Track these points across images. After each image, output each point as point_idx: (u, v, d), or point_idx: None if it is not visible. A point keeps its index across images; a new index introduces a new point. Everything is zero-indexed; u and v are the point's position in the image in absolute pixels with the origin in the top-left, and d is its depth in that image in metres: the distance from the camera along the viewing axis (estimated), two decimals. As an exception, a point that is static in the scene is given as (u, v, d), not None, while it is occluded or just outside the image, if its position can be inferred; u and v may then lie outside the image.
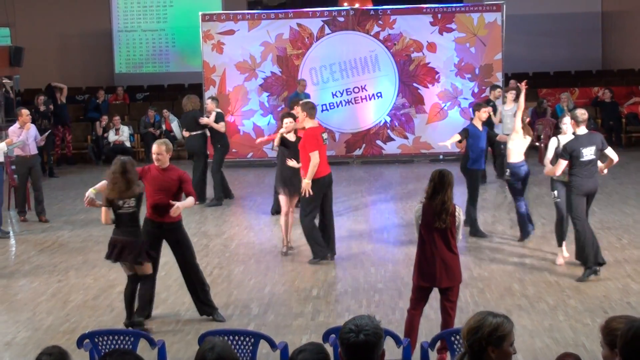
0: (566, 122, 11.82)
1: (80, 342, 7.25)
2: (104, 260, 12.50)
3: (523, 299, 10.46)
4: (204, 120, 16.82)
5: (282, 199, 12.63)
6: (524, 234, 13.35)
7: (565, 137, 11.65)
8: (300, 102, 12.88)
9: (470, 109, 17.48)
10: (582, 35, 26.59)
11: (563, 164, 11.08)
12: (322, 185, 12.15)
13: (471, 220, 13.65)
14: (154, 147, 9.89)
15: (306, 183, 11.99)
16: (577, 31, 26.51)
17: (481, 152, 13.58)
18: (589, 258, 11.07)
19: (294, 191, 12.47)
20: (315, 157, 11.92)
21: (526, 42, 25.86)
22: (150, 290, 9.86)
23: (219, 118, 16.93)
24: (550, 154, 11.78)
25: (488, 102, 17.60)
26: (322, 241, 12.39)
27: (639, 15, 26.36)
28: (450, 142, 13.66)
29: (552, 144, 11.84)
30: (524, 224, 13.34)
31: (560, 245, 11.92)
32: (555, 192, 11.73)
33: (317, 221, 12.44)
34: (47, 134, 16.53)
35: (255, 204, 16.97)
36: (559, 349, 8.38)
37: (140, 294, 9.71)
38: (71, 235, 14.74)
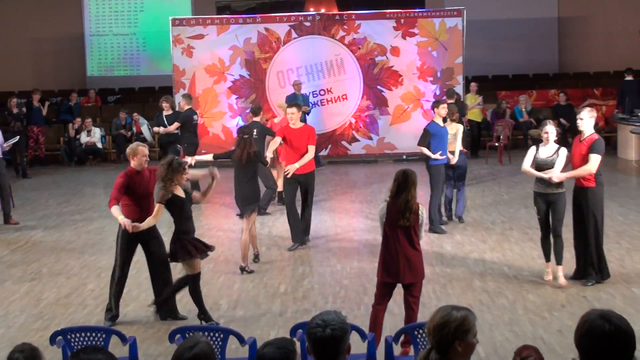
0: (548, 131, 10.79)
1: (53, 339, 7.31)
2: (77, 258, 12.97)
3: (484, 294, 10.65)
4: (160, 129, 17.43)
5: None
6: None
7: (547, 147, 10.83)
8: (293, 103, 13.67)
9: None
10: (540, 40, 26.79)
11: (598, 159, 10.66)
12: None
13: (430, 218, 13.98)
14: (143, 149, 10.12)
15: (294, 167, 12.84)
16: (534, 36, 26.71)
17: (443, 148, 13.95)
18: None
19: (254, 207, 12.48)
20: (313, 150, 12.96)
21: (486, 46, 26.07)
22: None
23: (188, 115, 17.25)
24: (528, 161, 10.90)
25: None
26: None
27: (593, 21, 26.58)
28: (435, 155, 13.90)
29: (531, 152, 10.94)
30: (446, 206, 14.71)
31: (548, 261, 11.18)
32: (536, 209, 11.00)
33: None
34: (13, 141, 16.63)
35: (224, 203, 17.05)
36: (518, 342, 8.46)
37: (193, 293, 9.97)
38: (44, 234, 14.81)
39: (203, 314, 9.89)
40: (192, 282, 9.93)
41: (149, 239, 10.13)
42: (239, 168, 12.22)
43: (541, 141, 11.03)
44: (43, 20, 26.81)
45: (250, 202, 12.16)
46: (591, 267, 10.92)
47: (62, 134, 24.02)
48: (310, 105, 21.48)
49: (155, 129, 17.41)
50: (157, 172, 9.77)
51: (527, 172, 10.94)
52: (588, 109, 10.95)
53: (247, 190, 12.16)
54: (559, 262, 10.97)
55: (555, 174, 10.64)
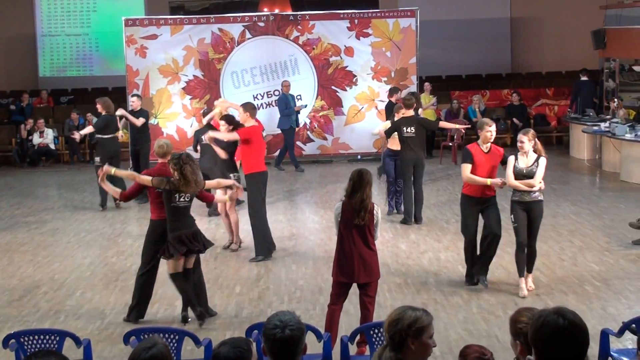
0: (524, 141, 10.41)
1: (5, 342, 7.29)
2: (29, 260, 12.87)
3: (438, 293, 10.78)
4: (121, 111, 17.07)
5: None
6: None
7: (523, 158, 10.50)
8: (243, 103, 13.22)
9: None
10: (493, 40, 27.04)
11: None
12: (263, 179, 12.62)
13: (406, 207, 14.76)
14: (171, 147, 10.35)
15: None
16: (487, 36, 26.94)
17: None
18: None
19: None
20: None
21: (439, 47, 26.13)
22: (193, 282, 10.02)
23: (143, 115, 17.26)
24: (511, 173, 10.52)
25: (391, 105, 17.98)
26: (270, 239, 12.87)
27: (545, 21, 26.85)
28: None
29: (510, 163, 10.55)
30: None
31: (522, 275, 10.74)
32: (513, 217, 10.62)
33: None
34: None
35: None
36: (472, 340, 8.62)
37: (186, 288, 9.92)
38: (-4, 237, 14.69)
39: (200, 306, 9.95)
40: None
41: None
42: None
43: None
44: (-6, 20, 26.56)
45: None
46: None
47: (14, 135, 23.75)
48: (298, 104, 21.34)
49: (121, 111, 17.07)
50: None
51: (514, 186, 10.50)
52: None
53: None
54: (530, 270, 10.85)
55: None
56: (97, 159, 16.45)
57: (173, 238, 9.70)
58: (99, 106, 16.87)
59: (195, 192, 9.77)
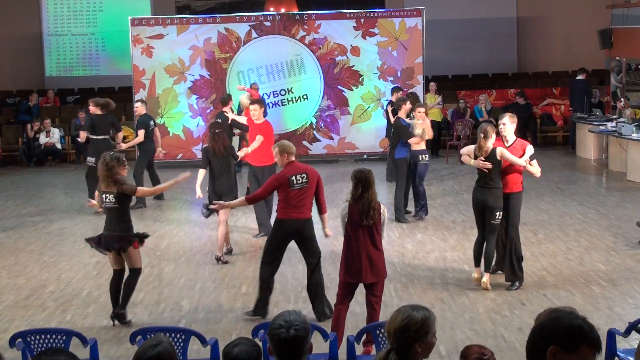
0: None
1: (12, 342, 7.32)
2: (36, 260, 12.90)
3: (445, 292, 10.78)
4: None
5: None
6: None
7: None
8: (255, 100, 13.71)
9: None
10: (499, 40, 27.03)
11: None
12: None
13: (396, 207, 14.66)
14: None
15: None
16: (493, 35, 26.94)
17: (406, 142, 14.58)
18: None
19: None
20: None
21: (446, 46, 26.17)
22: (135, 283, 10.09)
23: (143, 121, 17.13)
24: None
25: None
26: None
27: (552, 21, 26.86)
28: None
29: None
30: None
31: (478, 265, 11.07)
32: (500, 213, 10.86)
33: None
34: None
35: (185, 203, 17.05)
36: (479, 340, 8.63)
37: (125, 283, 10.02)
38: (2, 236, 14.68)
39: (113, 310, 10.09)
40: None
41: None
42: (214, 162, 12.54)
43: None
44: (0, 20, 26.53)
45: (227, 194, 12.38)
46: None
47: (21, 134, 23.77)
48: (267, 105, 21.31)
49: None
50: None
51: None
52: (509, 114, 10.91)
53: (223, 182, 12.52)
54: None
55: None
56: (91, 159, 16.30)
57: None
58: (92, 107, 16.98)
59: (113, 193, 9.75)
